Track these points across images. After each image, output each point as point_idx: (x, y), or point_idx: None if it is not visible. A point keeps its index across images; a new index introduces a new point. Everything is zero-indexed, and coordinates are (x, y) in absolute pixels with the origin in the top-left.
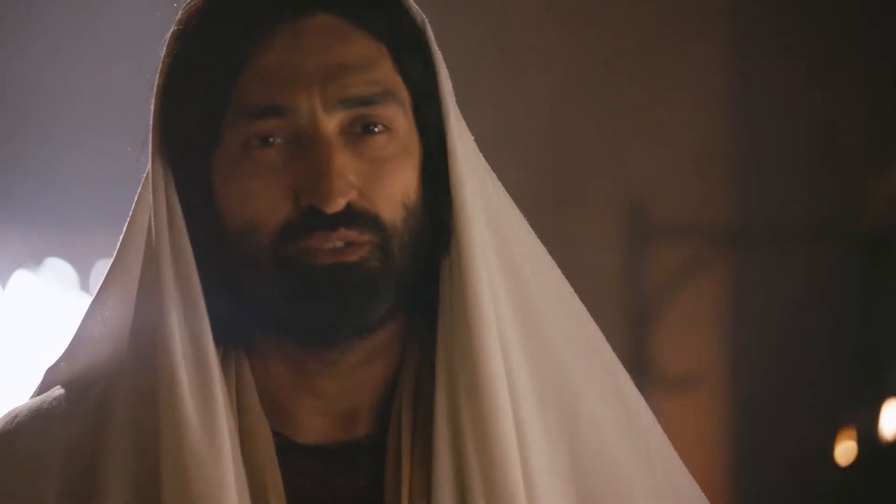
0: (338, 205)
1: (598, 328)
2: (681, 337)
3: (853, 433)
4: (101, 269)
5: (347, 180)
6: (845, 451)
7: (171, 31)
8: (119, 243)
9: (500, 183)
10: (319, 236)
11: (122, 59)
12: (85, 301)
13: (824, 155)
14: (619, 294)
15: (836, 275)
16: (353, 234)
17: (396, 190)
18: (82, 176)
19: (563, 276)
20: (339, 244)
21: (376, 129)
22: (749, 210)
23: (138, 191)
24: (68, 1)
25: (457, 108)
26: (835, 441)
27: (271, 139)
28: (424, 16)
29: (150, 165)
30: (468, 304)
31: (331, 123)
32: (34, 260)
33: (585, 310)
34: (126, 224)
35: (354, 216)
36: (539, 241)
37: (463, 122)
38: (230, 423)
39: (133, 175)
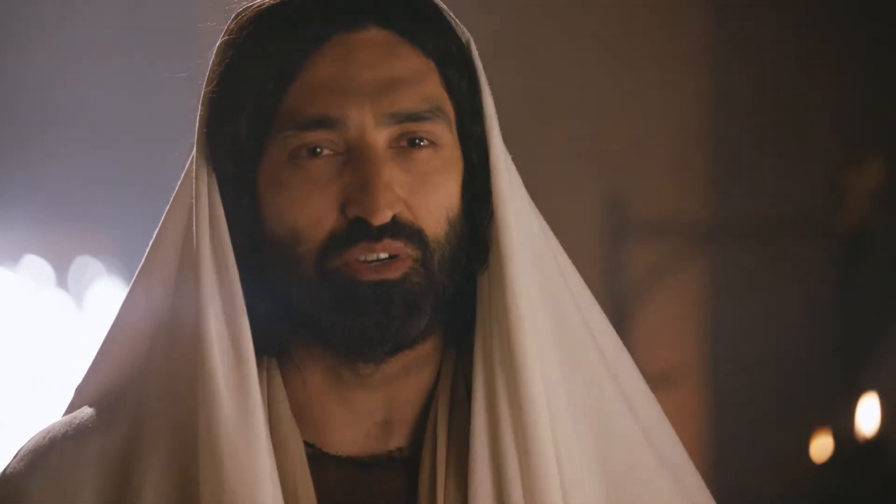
0: (385, 216)
1: (624, 347)
2: (659, 333)
3: (829, 429)
4: (79, 266)
5: (394, 193)
6: (821, 447)
7: (222, 40)
8: (147, 252)
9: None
10: (364, 247)
11: (103, 61)
12: (62, 298)
13: (800, 151)
14: (598, 290)
15: (813, 270)
16: (397, 246)
17: (441, 204)
18: (60, 174)
19: (590, 293)
20: (383, 255)
21: (422, 144)
22: (727, 206)
23: (170, 201)
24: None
25: (498, 125)
26: (811, 437)
27: (319, 150)
28: (469, 34)
29: (193, 171)
30: (510, 316)
31: (380, 137)
32: (11, 258)
33: (612, 328)
34: (155, 234)
35: (400, 229)
36: (568, 258)
37: (502, 140)
38: (265, 427)
39: (110, 174)
